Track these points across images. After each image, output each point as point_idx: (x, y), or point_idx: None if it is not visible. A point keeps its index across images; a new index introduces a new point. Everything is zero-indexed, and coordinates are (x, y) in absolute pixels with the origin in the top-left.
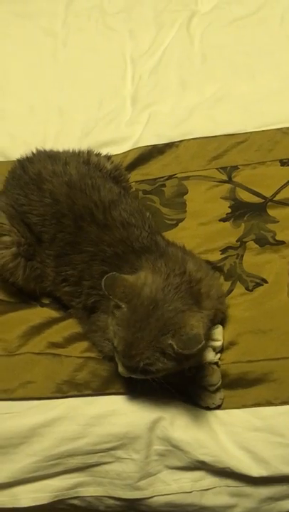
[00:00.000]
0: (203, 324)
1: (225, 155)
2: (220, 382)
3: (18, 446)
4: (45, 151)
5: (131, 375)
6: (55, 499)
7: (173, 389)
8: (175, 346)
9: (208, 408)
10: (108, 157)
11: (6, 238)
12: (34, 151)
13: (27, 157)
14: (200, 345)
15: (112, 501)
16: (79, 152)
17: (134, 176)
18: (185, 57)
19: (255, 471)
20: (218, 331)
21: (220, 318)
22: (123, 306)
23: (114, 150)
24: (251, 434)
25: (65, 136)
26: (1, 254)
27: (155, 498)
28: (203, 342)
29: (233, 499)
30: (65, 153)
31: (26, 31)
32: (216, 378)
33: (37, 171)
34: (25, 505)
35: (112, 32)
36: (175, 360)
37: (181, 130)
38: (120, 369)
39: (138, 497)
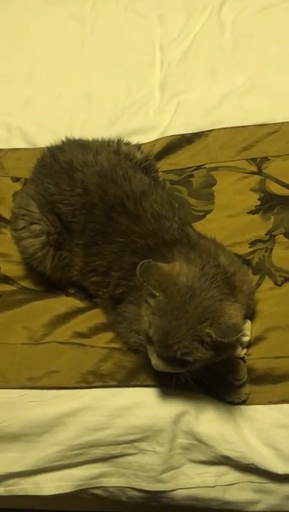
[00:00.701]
0: (241, 314)
1: (255, 146)
2: (246, 377)
3: (42, 434)
4: (75, 139)
5: (166, 368)
6: (78, 488)
7: (199, 383)
8: (213, 335)
9: (234, 403)
10: (138, 146)
11: (36, 227)
12: (63, 139)
13: (57, 145)
14: (239, 335)
15: (134, 492)
16: (108, 141)
17: (162, 166)
18: (215, 45)
19: (281, 468)
20: (247, 326)
21: (249, 314)
22: (158, 294)
23: (141, 139)
24: (277, 431)
25: (92, 124)
26: (31, 243)
27: (178, 491)
28: (242, 331)
29: (257, 495)
30: (95, 142)
31: (54, 17)
32: (242, 373)
33: (68, 160)
34: (48, 494)
35: (141, 18)
36: (213, 349)
37: (210, 119)
38: (155, 362)
39: (161, 489)
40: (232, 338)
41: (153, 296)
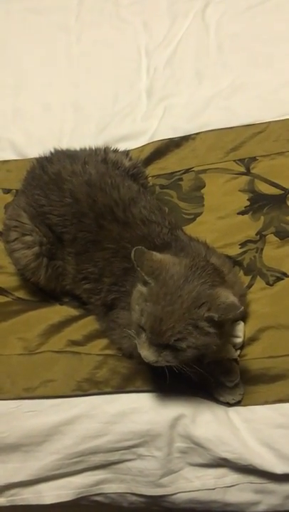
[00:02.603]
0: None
1: (242, 146)
2: (238, 378)
3: (40, 444)
4: (63, 150)
5: (157, 358)
6: (79, 496)
7: (193, 384)
8: (216, 315)
9: (229, 404)
10: (126, 153)
11: (29, 238)
12: (52, 150)
13: (46, 157)
14: (240, 310)
15: (135, 498)
16: (96, 150)
17: (151, 171)
18: (200, 48)
19: (279, 468)
20: (239, 328)
21: (240, 316)
22: (150, 281)
23: (130, 145)
24: (274, 431)
25: (81, 133)
26: (24, 254)
27: (178, 495)
28: (242, 308)
29: (257, 496)
30: (83, 152)
31: (40, 28)
32: (234, 374)
33: (56, 171)
34: (49, 503)
35: (125, 24)
36: (207, 335)
37: (197, 122)
38: (145, 353)
39: (161, 494)
40: (235, 312)
41: (146, 283)
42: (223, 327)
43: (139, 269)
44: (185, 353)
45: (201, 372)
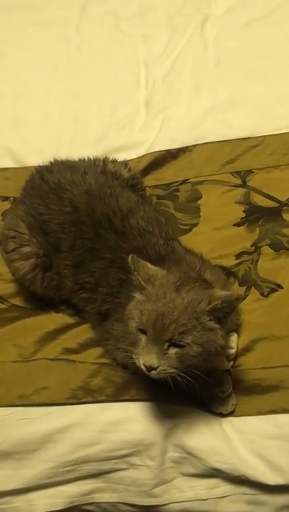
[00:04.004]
0: None
1: (239, 159)
2: (231, 389)
3: (33, 452)
4: (62, 160)
5: (158, 362)
6: (70, 505)
7: (187, 395)
8: (219, 302)
9: (222, 414)
10: (125, 164)
11: (26, 249)
12: (51, 160)
13: (45, 167)
14: (237, 299)
15: (127, 508)
16: (95, 161)
17: (148, 181)
18: (199, 61)
19: (271, 479)
20: (233, 339)
21: (233, 329)
22: (147, 286)
23: (128, 155)
24: (267, 442)
25: (79, 142)
26: (22, 265)
27: (170, 505)
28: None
29: (249, 507)
30: (83, 162)
31: (41, 38)
32: (226, 385)
33: (56, 181)
34: None
35: (125, 37)
36: (210, 330)
37: (194, 134)
38: (146, 357)
39: (153, 504)
40: (234, 300)
41: (142, 289)
42: (225, 322)
43: (136, 273)
44: (189, 352)
45: (193, 384)
